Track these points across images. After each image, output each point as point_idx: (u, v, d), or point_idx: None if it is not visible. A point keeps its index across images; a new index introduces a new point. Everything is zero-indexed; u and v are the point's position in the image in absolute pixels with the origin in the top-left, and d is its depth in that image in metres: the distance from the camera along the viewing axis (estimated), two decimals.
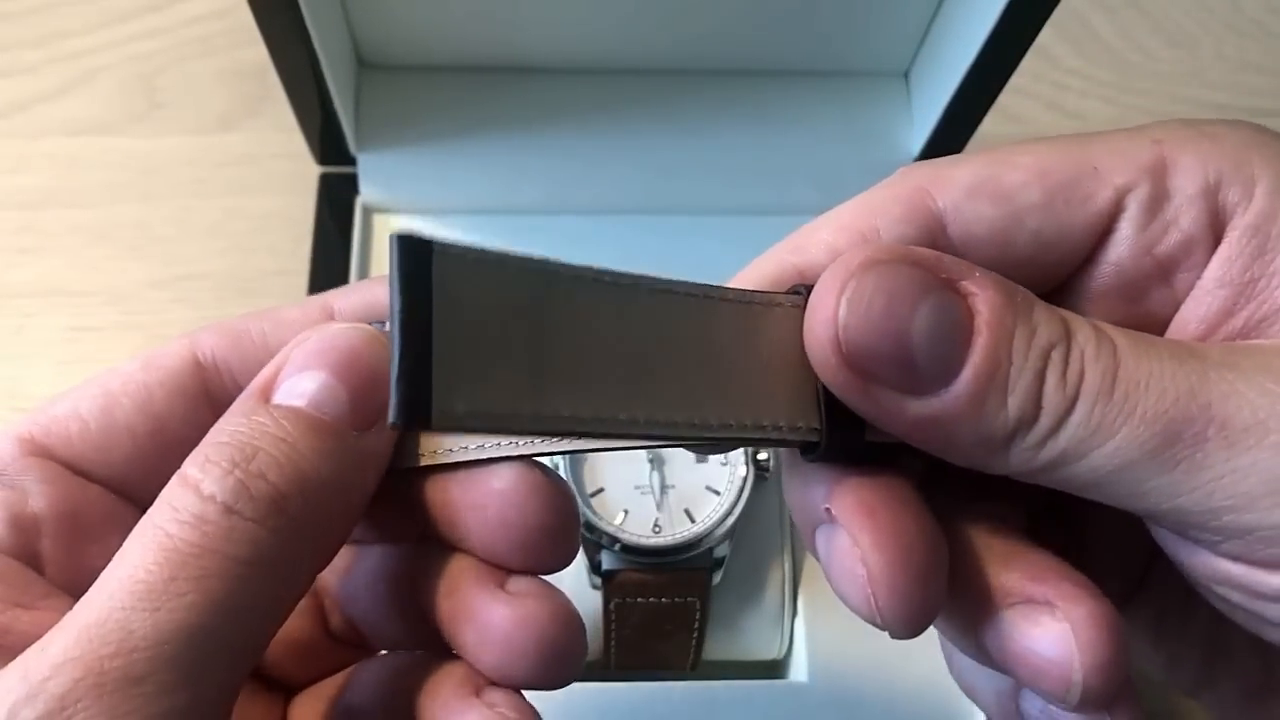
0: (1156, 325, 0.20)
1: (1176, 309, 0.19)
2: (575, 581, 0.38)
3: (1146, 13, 0.56)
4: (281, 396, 0.18)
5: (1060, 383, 0.17)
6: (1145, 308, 0.20)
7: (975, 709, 0.38)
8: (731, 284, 0.20)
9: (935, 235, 0.19)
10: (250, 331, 0.21)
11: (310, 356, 0.19)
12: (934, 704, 0.38)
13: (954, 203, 0.19)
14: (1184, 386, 0.17)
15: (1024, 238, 0.19)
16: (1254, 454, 0.16)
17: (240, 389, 0.19)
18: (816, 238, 0.20)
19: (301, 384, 0.18)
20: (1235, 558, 0.17)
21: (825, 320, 0.17)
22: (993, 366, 0.17)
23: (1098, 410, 0.17)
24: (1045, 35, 0.39)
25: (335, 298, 0.21)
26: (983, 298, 0.17)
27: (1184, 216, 0.19)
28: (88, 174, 0.51)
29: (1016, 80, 0.40)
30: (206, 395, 0.21)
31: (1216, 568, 0.18)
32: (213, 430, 0.18)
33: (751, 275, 0.21)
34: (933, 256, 0.18)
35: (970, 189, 0.19)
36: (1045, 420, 0.17)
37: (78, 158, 0.51)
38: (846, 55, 0.46)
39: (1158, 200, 0.19)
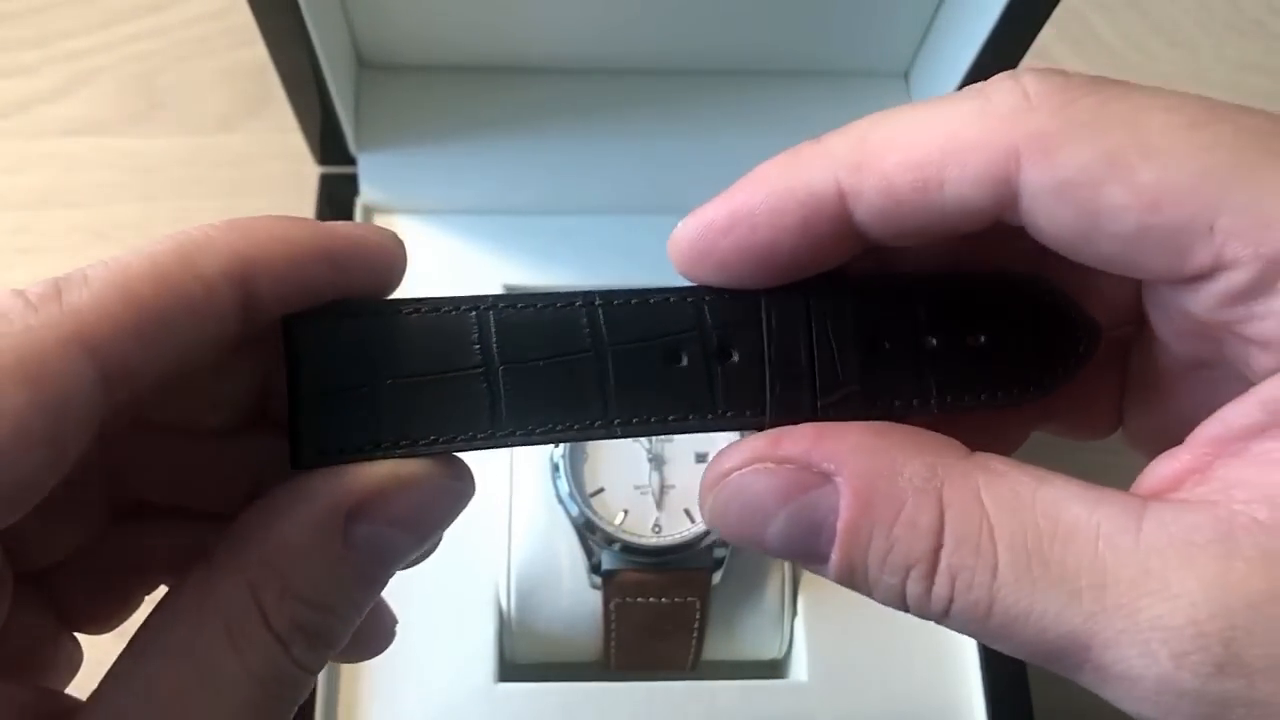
0: (1222, 364, 0.18)
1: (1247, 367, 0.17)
2: (575, 581, 0.38)
3: (1146, 13, 0.56)
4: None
5: (924, 596, 0.17)
6: (1218, 350, 0.18)
7: (975, 709, 0.38)
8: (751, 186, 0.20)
9: (1003, 205, 0.17)
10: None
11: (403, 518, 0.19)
12: (934, 704, 0.39)
13: (1038, 188, 0.17)
14: (1065, 628, 0.16)
15: (1090, 255, 0.17)
16: (1130, 702, 0.16)
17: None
18: (878, 158, 0.18)
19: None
20: None
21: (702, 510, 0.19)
22: (851, 572, 0.17)
23: (975, 627, 0.16)
24: (1045, 35, 0.39)
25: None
26: (843, 500, 0.17)
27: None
28: (87, 174, 0.51)
29: None
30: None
31: None
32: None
33: (773, 183, 0.19)
34: (804, 448, 0.17)
35: (1063, 185, 0.16)
36: (922, 615, 0.17)
37: (77, 158, 0.51)
38: (846, 55, 0.46)
39: (1261, 289, 0.16)
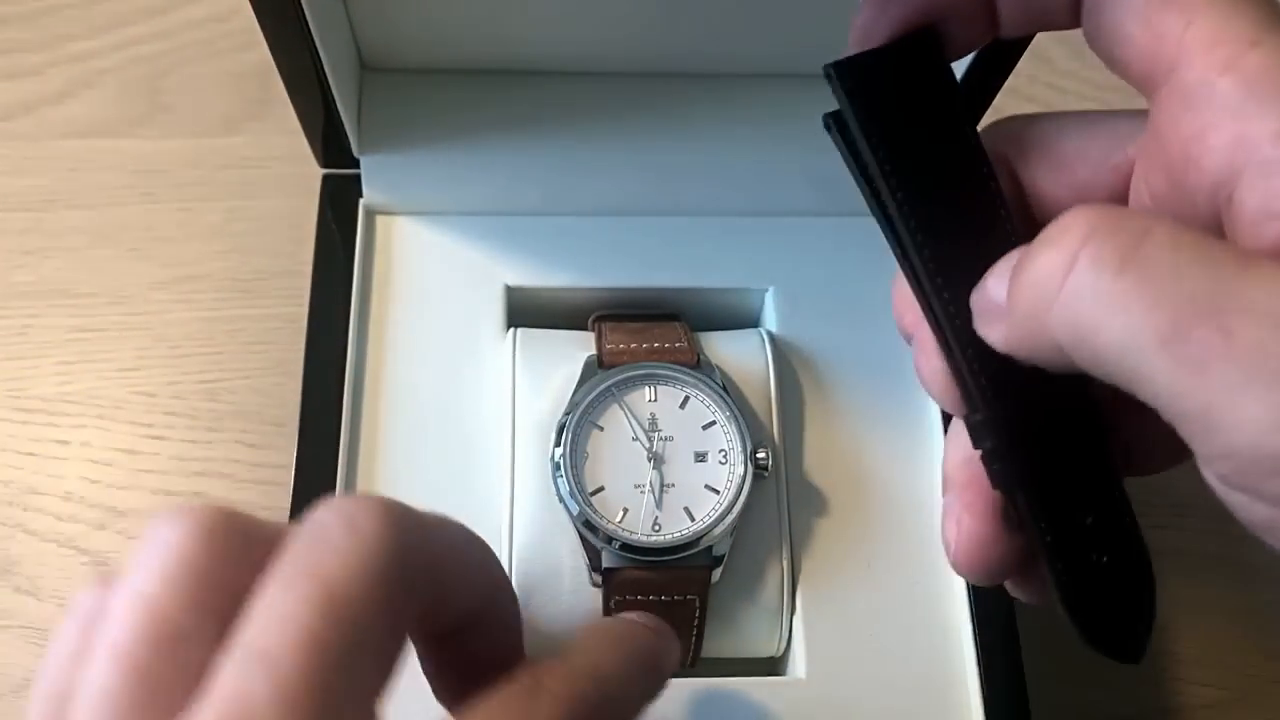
0: None
1: None
2: (576, 580, 0.38)
3: None
4: None
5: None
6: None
7: (974, 708, 0.38)
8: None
9: None
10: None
11: None
12: (934, 703, 0.39)
13: None
14: (1203, 286, 0.17)
15: None
16: (1246, 374, 0.16)
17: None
18: None
19: None
20: (1224, 476, 0.18)
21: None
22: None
23: (1119, 280, 0.17)
24: (1041, 37, 0.39)
25: None
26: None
27: None
28: (91, 176, 0.51)
29: (1013, 82, 0.41)
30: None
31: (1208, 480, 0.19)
32: None
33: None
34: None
35: None
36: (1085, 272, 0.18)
37: (81, 160, 0.51)
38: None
39: None
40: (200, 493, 0.46)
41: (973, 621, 0.39)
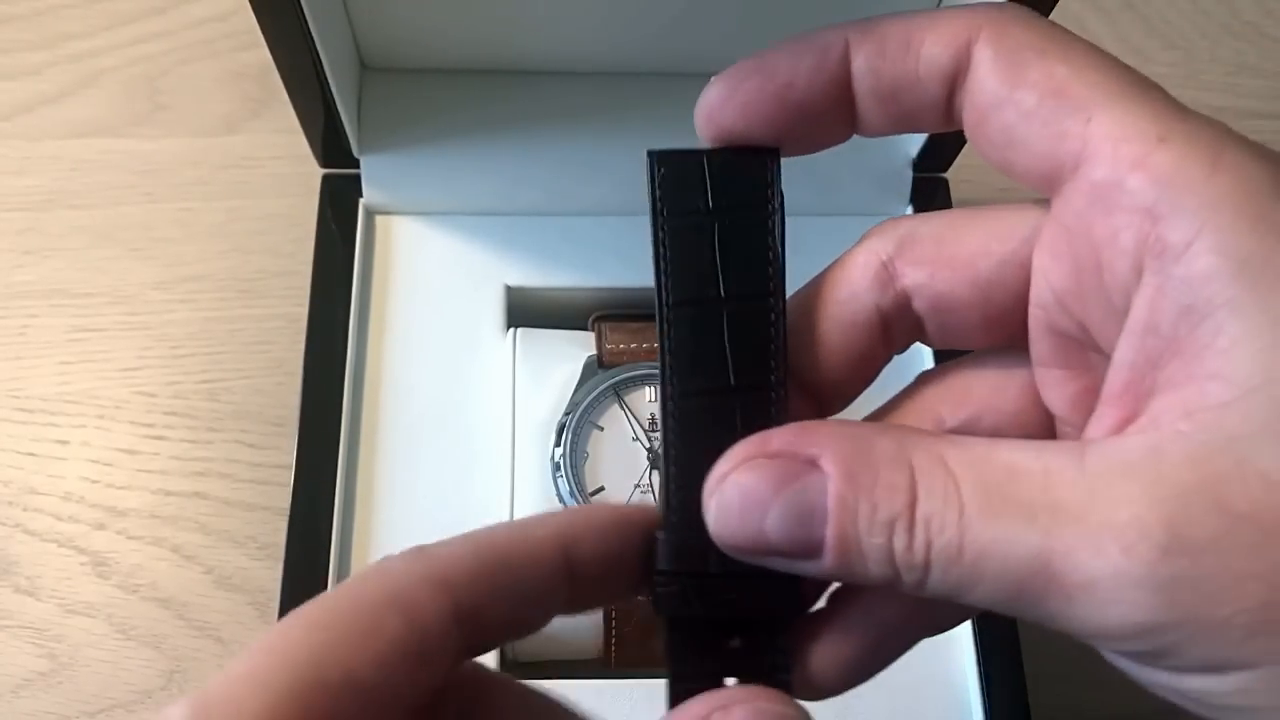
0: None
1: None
2: None
3: (1143, 15, 0.57)
4: None
5: (908, 551, 0.18)
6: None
7: (974, 708, 0.38)
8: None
9: (960, 67, 0.20)
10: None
11: None
12: (934, 703, 0.39)
13: (985, 55, 0.20)
14: (1024, 550, 0.17)
15: (1000, 125, 0.20)
16: (1091, 610, 0.17)
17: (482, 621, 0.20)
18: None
19: None
20: (1128, 663, 0.19)
21: (708, 524, 0.20)
22: (844, 544, 0.19)
23: (953, 572, 0.18)
24: None
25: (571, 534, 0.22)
26: (830, 477, 0.19)
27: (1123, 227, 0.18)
28: (91, 175, 0.51)
29: None
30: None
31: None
32: None
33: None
34: (783, 442, 0.19)
35: (1000, 54, 0.20)
36: (909, 577, 0.19)
37: (81, 159, 0.51)
38: None
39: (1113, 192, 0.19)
40: (200, 492, 0.46)
41: (973, 621, 0.39)
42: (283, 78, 0.39)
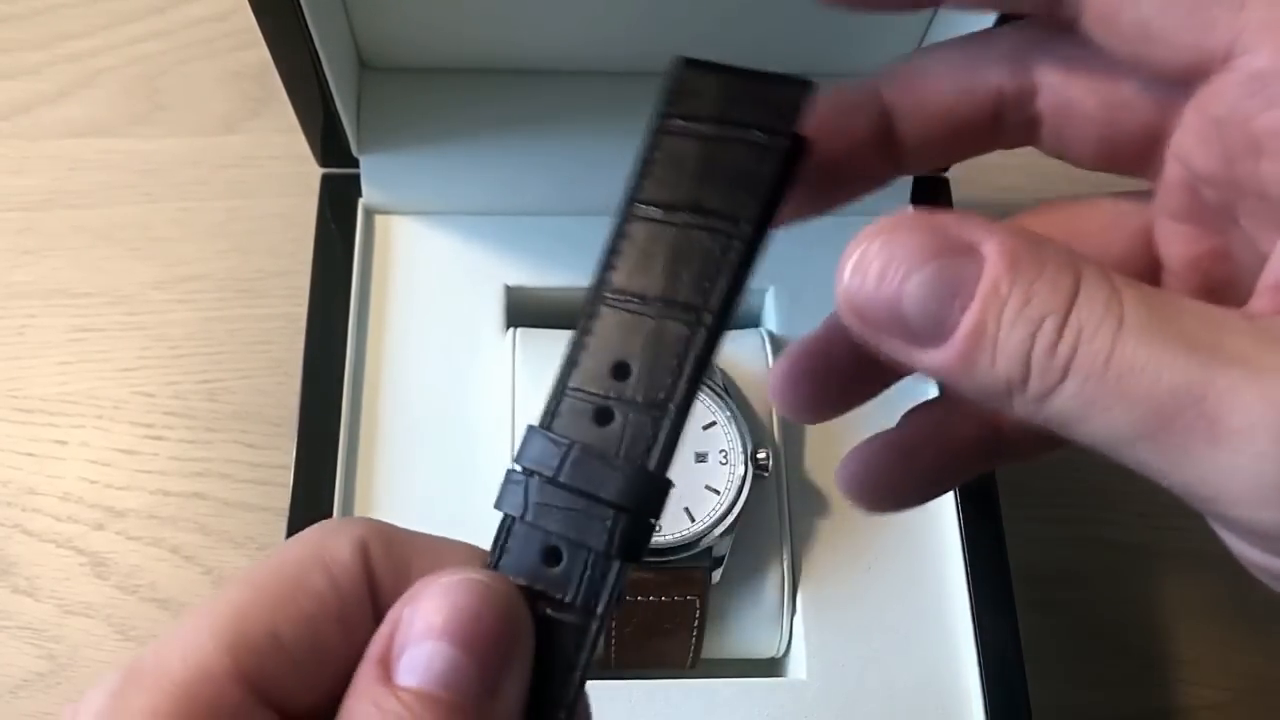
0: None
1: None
2: None
3: None
4: (406, 676, 0.18)
5: (1049, 354, 0.17)
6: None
7: (974, 709, 0.38)
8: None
9: None
10: (402, 542, 0.20)
11: (430, 626, 0.18)
12: (934, 703, 0.39)
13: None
14: (1181, 378, 0.16)
15: (1115, 32, 0.19)
16: (1235, 457, 0.16)
17: (385, 599, 0.19)
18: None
19: (425, 659, 0.18)
20: (1227, 531, 0.18)
21: (839, 282, 0.18)
22: (978, 333, 0.17)
23: (1089, 386, 0.17)
24: None
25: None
26: (989, 261, 0.18)
27: None
28: (90, 175, 0.51)
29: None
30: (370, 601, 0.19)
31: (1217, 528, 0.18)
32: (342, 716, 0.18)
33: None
34: (949, 221, 0.18)
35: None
36: (1036, 384, 0.17)
37: (80, 159, 0.51)
38: (845, 57, 0.46)
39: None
40: (199, 493, 0.45)
41: (974, 621, 0.39)
42: (282, 77, 0.39)
